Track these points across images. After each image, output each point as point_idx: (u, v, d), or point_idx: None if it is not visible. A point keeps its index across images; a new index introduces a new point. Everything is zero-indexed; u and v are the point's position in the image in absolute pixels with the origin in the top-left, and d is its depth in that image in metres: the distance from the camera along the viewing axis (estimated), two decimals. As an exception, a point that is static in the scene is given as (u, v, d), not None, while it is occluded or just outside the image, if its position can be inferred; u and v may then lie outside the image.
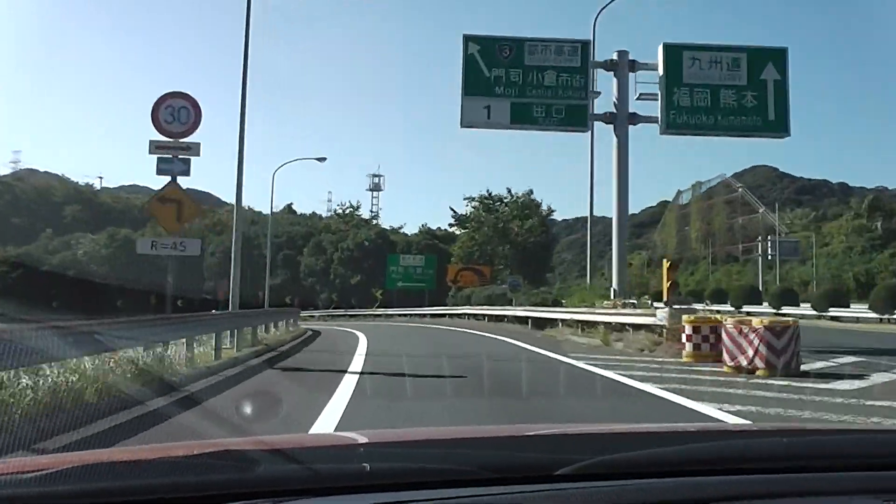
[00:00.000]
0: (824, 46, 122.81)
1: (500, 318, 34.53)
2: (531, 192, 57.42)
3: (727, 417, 7.73)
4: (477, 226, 56.17)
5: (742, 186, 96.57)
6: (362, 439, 2.01)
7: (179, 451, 1.73)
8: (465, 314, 41.63)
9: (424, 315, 49.09)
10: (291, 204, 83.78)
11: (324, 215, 77.29)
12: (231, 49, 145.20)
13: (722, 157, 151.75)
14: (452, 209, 59.73)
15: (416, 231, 67.17)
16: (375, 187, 75.85)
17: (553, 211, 58.54)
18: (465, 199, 58.98)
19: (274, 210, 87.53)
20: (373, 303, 60.55)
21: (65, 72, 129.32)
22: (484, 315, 37.57)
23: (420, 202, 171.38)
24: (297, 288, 69.59)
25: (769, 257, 69.23)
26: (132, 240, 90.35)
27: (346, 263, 64.23)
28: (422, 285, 57.93)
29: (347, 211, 73.97)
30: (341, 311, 62.62)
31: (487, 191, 58.21)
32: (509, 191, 58.60)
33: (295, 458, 1.62)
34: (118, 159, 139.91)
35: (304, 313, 69.32)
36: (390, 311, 56.05)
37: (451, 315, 44.40)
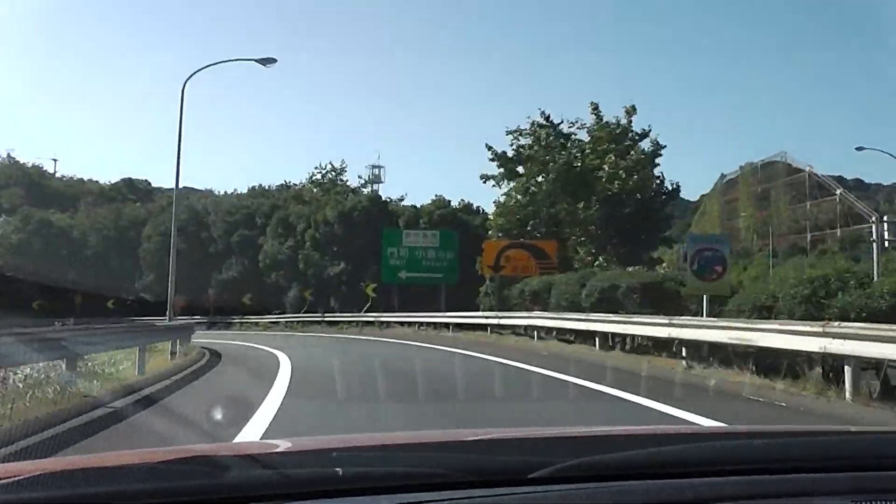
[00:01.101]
0: (830, 40, 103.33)
1: (668, 346, 14.48)
2: (634, 109, 30.66)
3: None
4: (537, 170, 30.55)
5: (810, 167, 76.61)
6: (335, 444, 1.94)
7: (151, 458, 1.70)
8: (532, 328, 21.53)
9: (444, 324, 29.44)
10: (269, 187, 62.92)
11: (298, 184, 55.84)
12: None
13: (733, 153, 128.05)
14: (490, 148, 32.57)
15: (429, 201, 44.66)
16: (375, 179, 54.77)
17: (662, 147, 30.82)
18: (508, 133, 32.01)
19: (238, 192, 67.36)
20: (362, 304, 40.47)
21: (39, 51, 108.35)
22: (593, 333, 17.43)
23: (434, 180, 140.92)
24: (256, 284, 49.49)
25: (885, 244, 49.65)
26: (50, 222, 71.39)
27: (322, 246, 44.03)
28: (437, 277, 37.80)
29: (327, 177, 53.34)
30: (316, 317, 42.67)
31: (543, 113, 31.57)
32: (595, 109, 30.95)
33: (267, 463, 1.61)
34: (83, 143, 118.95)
35: (267, 318, 49.78)
36: (387, 317, 36.15)
37: (497, 327, 24.41)
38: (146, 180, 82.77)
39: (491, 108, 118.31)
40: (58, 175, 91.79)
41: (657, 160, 30.29)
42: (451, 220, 41.54)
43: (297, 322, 44.83)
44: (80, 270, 63.50)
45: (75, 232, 66.20)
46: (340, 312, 42.12)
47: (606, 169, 27.96)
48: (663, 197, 30.82)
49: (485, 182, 32.61)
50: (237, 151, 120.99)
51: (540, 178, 30.31)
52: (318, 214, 44.38)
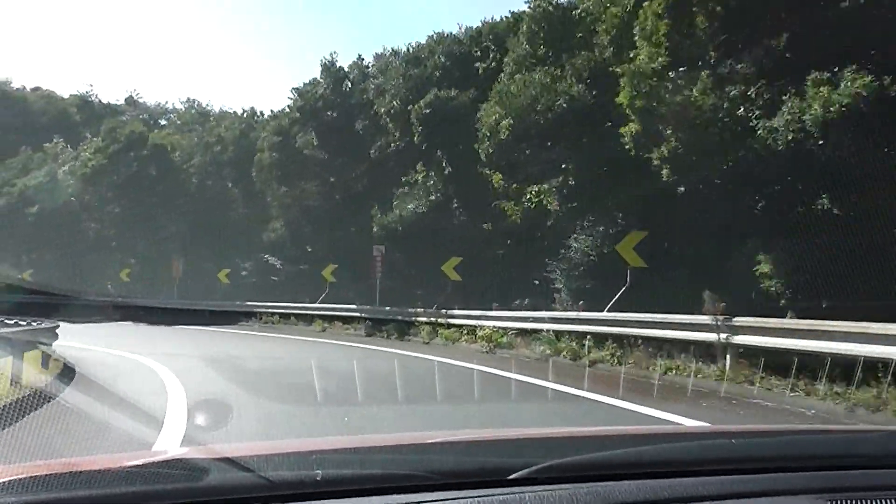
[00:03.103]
0: None
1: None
2: None
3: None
4: None
5: None
6: (315, 446, 1.98)
7: (128, 461, 1.70)
8: None
9: None
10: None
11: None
12: None
13: None
14: None
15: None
16: None
17: None
18: None
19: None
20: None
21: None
22: None
23: None
24: (472, 219, 18.12)
25: None
26: (142, 136, 41.89)
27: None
28: None
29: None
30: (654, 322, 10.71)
31: None
32: None
33: (246, 465, 1.59)
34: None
35: (511, 318, 17.64)
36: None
37: None
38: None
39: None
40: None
41: None
42: None
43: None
44: (182, 212, 36.62)
45: (177, 154, 38.96)
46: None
47: None
48: None
49: None
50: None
51: None
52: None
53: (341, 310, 25.45)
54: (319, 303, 27.15)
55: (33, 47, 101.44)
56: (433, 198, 21.37)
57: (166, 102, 68.98)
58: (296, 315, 27.40)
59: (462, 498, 1.53)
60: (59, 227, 39.08)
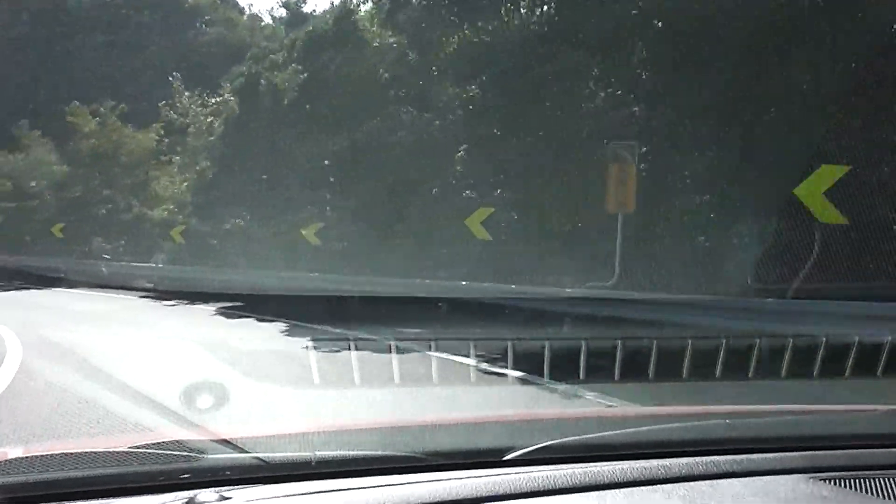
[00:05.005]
0: None
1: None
2: None
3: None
4: None
5: None
6: (310, 427, 1.98)
7: (125, 443, 1.69)
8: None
9: None
10: None
11: None
12: None
13: None
14: None
15: None
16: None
17: None
18: None
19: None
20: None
21: None
22: None
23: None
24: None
25: None
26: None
27: None
28: None
29: None
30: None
31: None
32: None
33: (241, 446, 1.60)
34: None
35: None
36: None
37: None
38: None
39: None
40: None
41: None
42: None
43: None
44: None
45: None
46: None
47: None
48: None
49: None
50: None
51: None
52: None
53: None
54: None
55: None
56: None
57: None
58: None
59: (456, 479, 1.51)
60: (368, 139, 19.00)
